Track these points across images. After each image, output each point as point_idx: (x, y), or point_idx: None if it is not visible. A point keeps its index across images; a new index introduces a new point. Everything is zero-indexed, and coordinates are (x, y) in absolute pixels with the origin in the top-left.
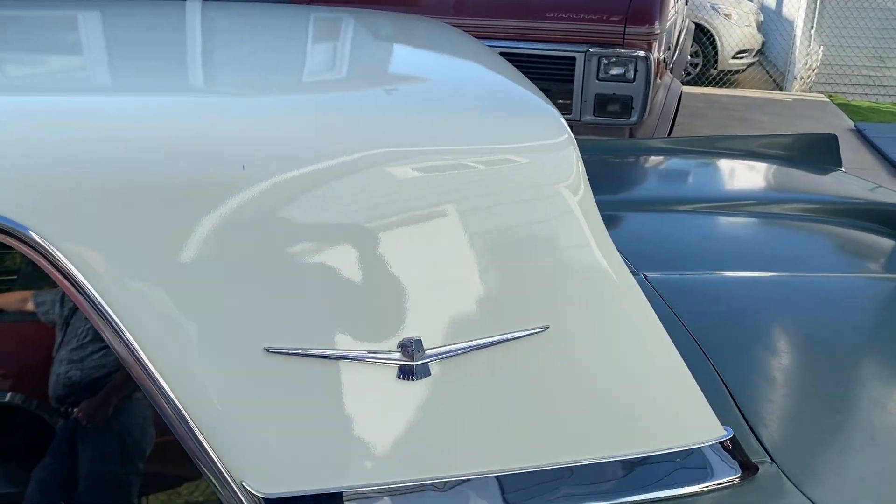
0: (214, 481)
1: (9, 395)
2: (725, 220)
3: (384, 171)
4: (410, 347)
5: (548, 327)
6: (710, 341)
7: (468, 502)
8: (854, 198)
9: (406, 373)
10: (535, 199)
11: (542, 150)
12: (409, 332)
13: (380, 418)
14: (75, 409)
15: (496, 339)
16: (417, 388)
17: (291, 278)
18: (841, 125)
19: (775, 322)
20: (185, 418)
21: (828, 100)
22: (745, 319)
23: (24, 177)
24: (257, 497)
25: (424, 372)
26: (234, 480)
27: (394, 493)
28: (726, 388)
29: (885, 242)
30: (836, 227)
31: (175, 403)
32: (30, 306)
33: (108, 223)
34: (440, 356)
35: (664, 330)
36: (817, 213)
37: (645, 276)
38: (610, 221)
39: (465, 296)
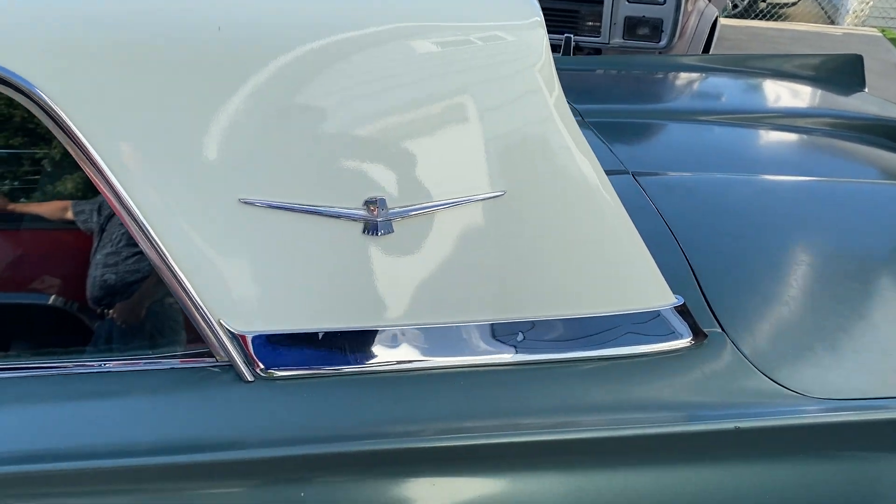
0: (199, 319)
1: None
2: (737, 130)
3: (356, 39)
4: (375, 205)
5: (504, 192)
6: (685, 228)
7: (425, 349)
8: (872, 115)
9: (370, 228)
10: (501, 75)
11: (512, 29)
12: (374, 192)
13: (345, 269)
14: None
15: (455, 200)
16: (380, 243)
17: (266, 137)
18: (891, 60)
19: (754, 216)
20: (168, 262)
21: (880, 34)
22: (725, 213)
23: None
24: (232, 333)
25: (387, 228)
26: (212, 318)
27: (355, 335)
28: (689, 265)
29: (891, 156)
30: (844, 139)
31: (159, 246)
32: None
33: (99, 80)
34: (402, 214)
35: (621, 205)
36: (834, 127)
37: (633, 174)
38: (623, 128)
39: (428, 161)
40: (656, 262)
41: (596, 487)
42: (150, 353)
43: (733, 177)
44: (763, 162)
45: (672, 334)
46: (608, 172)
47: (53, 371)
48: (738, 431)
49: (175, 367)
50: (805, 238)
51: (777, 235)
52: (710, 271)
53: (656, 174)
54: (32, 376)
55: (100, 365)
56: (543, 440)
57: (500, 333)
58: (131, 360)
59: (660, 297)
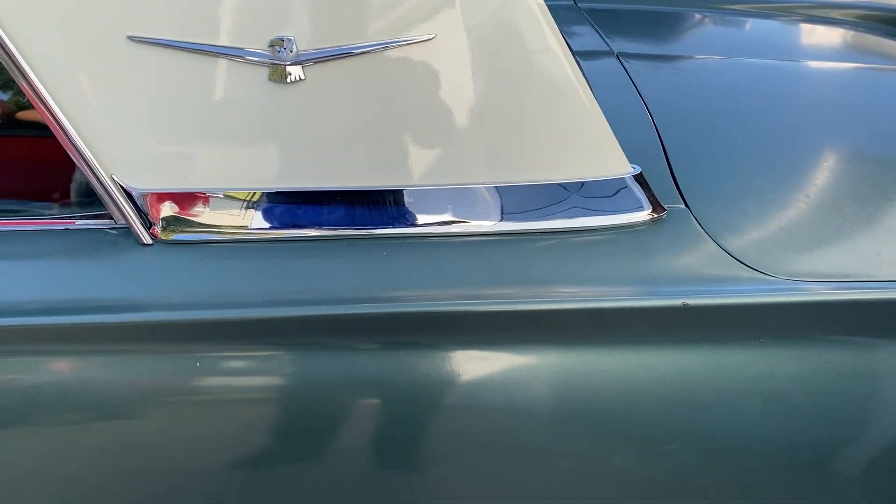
0: (91, 176)
1: None
2: (754, 20)
3: None
4: (282, 47)
5: (435, 36)
6: (663, 106)
7: (337, 216)
8: None
9: (277, 74)
10: None
11: None
12: (282, 30)
13: (249, 121)
14: None
15: (376, 44)
16: (288, 91)
17: None
18: None
19: (745, 98)
20: (54, 112)
21: None
22: (712, 94)
23: None
24: (126, 191)
25: (296, 74)
26: (105, 175)
27: (260, 198)
28: (661, 141)
29: None
30: (875, 32)
31: (42, 94)
32: None
33: None
34: (314, 58)
35: (575, 65)
36: (866, 19)
37: (618, 55)
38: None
39: None
40: (623, 138)
41: (541, 363)
42: (46, 213)
43: (731, 60)
44: (775, 49)
45: (627, 206)
46: (589, 53)
47: None
48: (686, 308)
49: (70, 228)
50: (797, 121)
51: (766, 118)
52: (681, 148)
53: (645, 56)
54: None
55: None
56: (471, 311)
57: (430, 201)
58: (24, 220)
59: (615, 165)
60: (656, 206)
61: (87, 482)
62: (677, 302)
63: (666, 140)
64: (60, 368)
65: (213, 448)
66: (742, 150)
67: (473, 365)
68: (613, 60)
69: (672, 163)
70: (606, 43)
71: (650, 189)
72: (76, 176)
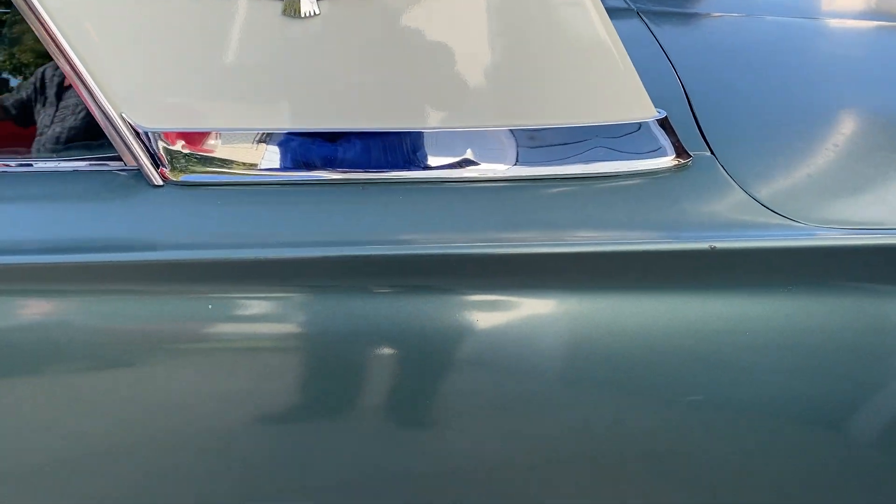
0: (99, 114)
1: None
2: None
3: None
4: None
5: None
6: (686, 59)
7: (353, 159)
8: None
9: (291, 7)
10: None
11: None
12: None
13: (263, 58)
14: None
15: None
16: (303, 27)
17: None
18: None
19: (766, 53)
20: (62, 46)
21: None
22: (739, 49)
23: None
24: (137, 131)
25: (311, 9)
26: (114, 113)
27: (276, 139)
28: (684, 91)
29: None
30: None
31: (51, 28)
32: None
33: None
34: None
35: (602, 8)
36: None
37: (639, 11)
38: None
39: None
40: (646, 89)
41: (560, 309)
42: (55, 155)
43: (752, 18)
44: (797, 7)
45: (652, 152)
46: (610, 10)
47: None
48: (713, 252)
49: (80, 170)
50: (822, 76)
51: (791, 73)
52: (704, 99)
53: (667, 14)
54: None
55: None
56: (489, 254)
57: (449, 144)
58: (32, 162)
59: (640, 109)
60: (681, 152)
61: (95, 427)
62: (705, 245)
63: (689, 91)
64: (70, 308)
65: (223, 391)
66: (767, 102)
67: (490, 309)
68: (635, 17)
69: (696, 112)
70: (626, 1)
71: (675, 135)
72: (87, 116)
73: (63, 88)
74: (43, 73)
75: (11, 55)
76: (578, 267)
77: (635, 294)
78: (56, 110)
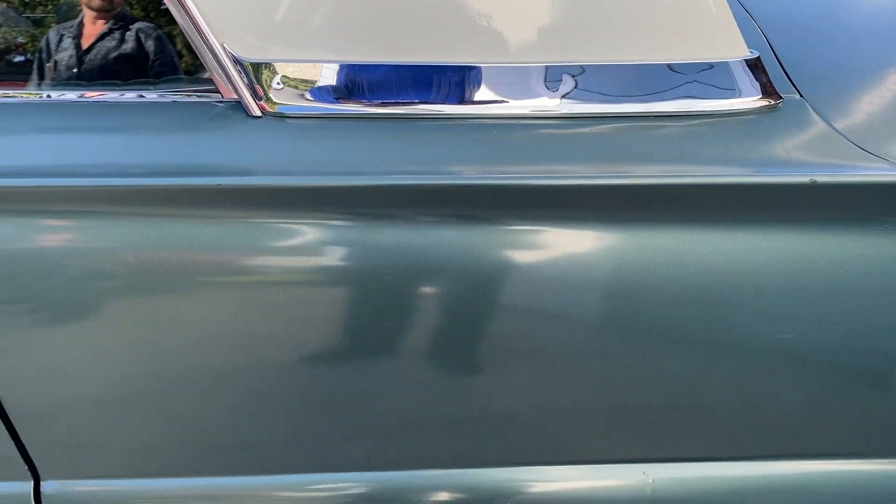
0: (202, 44)
1: None
2: None
3: None
4: None
5: None
6: (766, 12)
7: (455, 93)
8: None
9: None
10: None
11: None
12: None
13: None
14: None
15: None
16: None
17: None
18: None
19: (845, 6)
20: None
21: None
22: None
23: None
24: (238, 61)
25: None
26: (216, 43)
27: (376, 72)
28: (766, 40)
29: None
30: None
31: None
32: None
33: None
34: None
35: None
36: None
37: None
38: None
39: None
40: None
41: (657, 243)
42: (155, 87)
43: None
44: None
45: (744, 91)
46: None
47: (56, 100)
48: (814, 186)
49: (179, 101)
50: None
51: (874, 23)
52: (788, 48)
53: None
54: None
55: (102, 96)
56: (586, 185)
57: (541, 81)
58: (132, 93)
59: (732, 48)
60: (772, 92)
61: (190, 347)
62: (805, 179)
63: (772, 40)
64: (168, 232)
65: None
66: (854, 49)
67: (588, 244)
68: None
69: (781, 60)
70: None
71: (767, 75)
72: (187, 47)
73: (164, 19)
74: (144, 5)
75: None
76: (676, 201)
77: (731, 229)
78: (155, 42)
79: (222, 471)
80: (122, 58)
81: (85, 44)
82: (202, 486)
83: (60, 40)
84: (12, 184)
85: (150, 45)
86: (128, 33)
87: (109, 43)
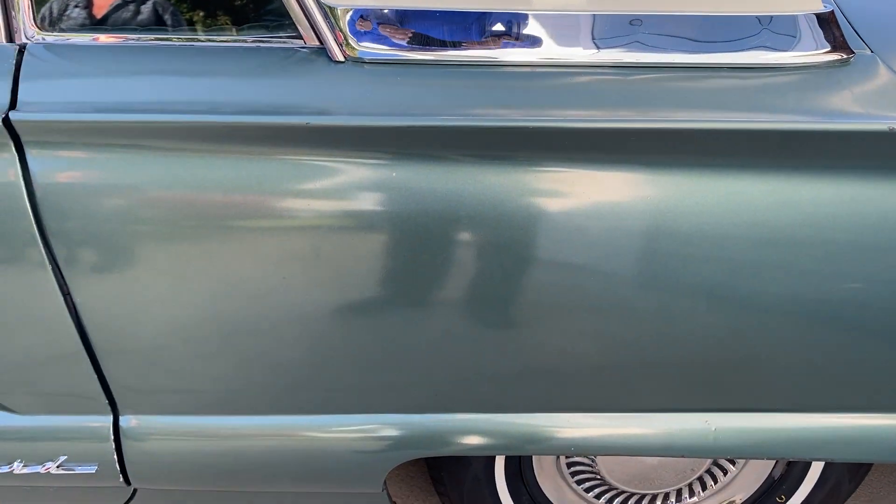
0: None
1: None
2: None
3: None
4: None
5: None
6: None
7: (531, 40)
8: None
9: None
10: None
11: None
12: None
13: None
14: None
15: None
16: None
17: None
18: None
19: None
20: None
21: None
22: None
23: None
24: (323, 7)
25: None
26: None
27: (457, 19)
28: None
29: None
30: None
31: None
32: None
33: None
34: None
35: None
36: None
37: None
38: None
39: None
40: None
41: (735, 189)
42: (238, 33)
43: None
44: None
45: (817, 45)
46: None
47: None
48: (891, 133)
49: (263, 47)
50: None
51: None
52: (853, 11)
53: None
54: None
55: (192, 41)
56: (660, 129)
57: (618, 29)
58: (219, 39)
59: (807, 1)
60: (845, 47)
61: (269, 289)
62: (883, 127)
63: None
64: (252, 170)
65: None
66: None
67: (669, 189)
68: None
69: (849, 17)
70: None
71: (840, 29)
72: None
73: None
74: None
75: None
76: (754, 148)
77: (808, 177)
78: None
79: (290, 410)
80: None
81: None
82: (268, 424)
83: None
84: (116, 118)
85: None
86: None
87: None
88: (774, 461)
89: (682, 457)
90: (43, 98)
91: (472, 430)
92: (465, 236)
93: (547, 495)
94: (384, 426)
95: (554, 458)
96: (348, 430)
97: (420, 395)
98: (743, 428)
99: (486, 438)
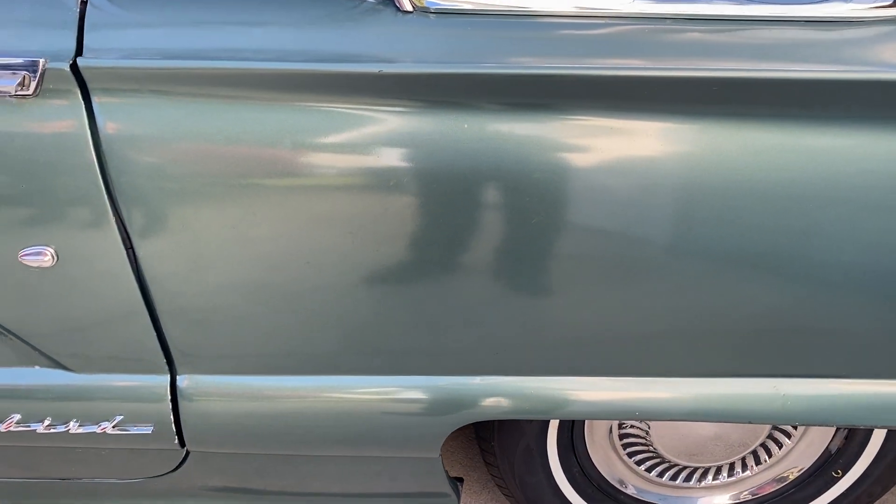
0: None
1: None
2: None
3: None
4: None
5: None
6: None
7: None
8: None
9: None
10: None
11: None
12: None
13: None
14: None
15: None
16: None
17: None
18: None
19: None
20: None
21: None
22: None
23: None
24: None
25: None
26: None
27: None
28: None
29: None
30: None
31: None
32: None
33: None
34: None
35: None
36: None
37: None
38: None
39: None
40: None
41: (804, 145)
42: None
43: None
44: None
45: None
46: None
47: None
48: None
49: None
50: None
51: None
52: None
53: None
54: None
55: None
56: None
57: None
58: None
59: None
60: None
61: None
62: None
63: None
64: (319, 121)
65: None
66: None
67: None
68: None
69: None
70: None
71: None
72: None
73: None
74: None
75: None
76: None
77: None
78: None
79: (351, 370)
80: None
81: None
82: (328, 384)
83: None
84: (187, 65)
85: None
86: None
87: None
88: (832, 433)
89: (749, 423)
90: (109, 45)
91: (543, 394)
92: (542, 182)
93: (597, 466)
94: (447, 388)
95: (606, 429)
96: (410, 392)
97: (483, 356)
98: (812, 394)
99: (558, 404)
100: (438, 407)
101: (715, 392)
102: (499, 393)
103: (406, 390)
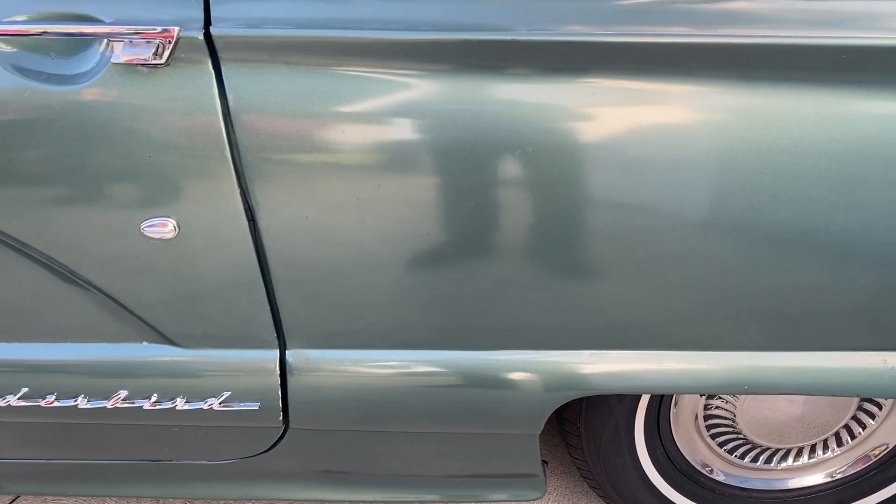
0: None
1: None
2: None
3: None
4: None
5: None
6: None
7: None
8: None
9: None
10: None
11: None
12: None
13: None
14: None
15: None
16: None
17: None
18: None
19: None
20: None
21: None
22: None
23: None
24: None
25: None
26: None
27: None
28: None
29: None
30: None
31: None
32: None
33: None
34: None
35: None
36: None
37: None
38: None
39: None
40: None
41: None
42: None
43: None
44: None
45: None
46: None
47: None
48: None
49: None
50: None
51: None
52: None
53: None
54: None
55: None
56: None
57: None
58: None
59: None
60: None
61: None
62: None
63: None
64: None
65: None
66: None
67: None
68: None
69: None
70: None
71: None
72: None
73: None
74: None
75: None
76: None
77: None
78: None
79: (459, 345)
80: None
81: None
82: (435, 359)
83: None
84: (321, 34)
85: None
86: None
87: None
88: None
89: (857, 396)
90: (236, 15)
91: (649, 370)
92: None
93: (679, 447)
94: (554, 364)
95: (692, 411)
96: (518, 367)
97: (589, 330)
98: None
99: (668, 378)
100: (548, 382)
101: (825, 366)
102: (611, 367)
103: (516, 365)
